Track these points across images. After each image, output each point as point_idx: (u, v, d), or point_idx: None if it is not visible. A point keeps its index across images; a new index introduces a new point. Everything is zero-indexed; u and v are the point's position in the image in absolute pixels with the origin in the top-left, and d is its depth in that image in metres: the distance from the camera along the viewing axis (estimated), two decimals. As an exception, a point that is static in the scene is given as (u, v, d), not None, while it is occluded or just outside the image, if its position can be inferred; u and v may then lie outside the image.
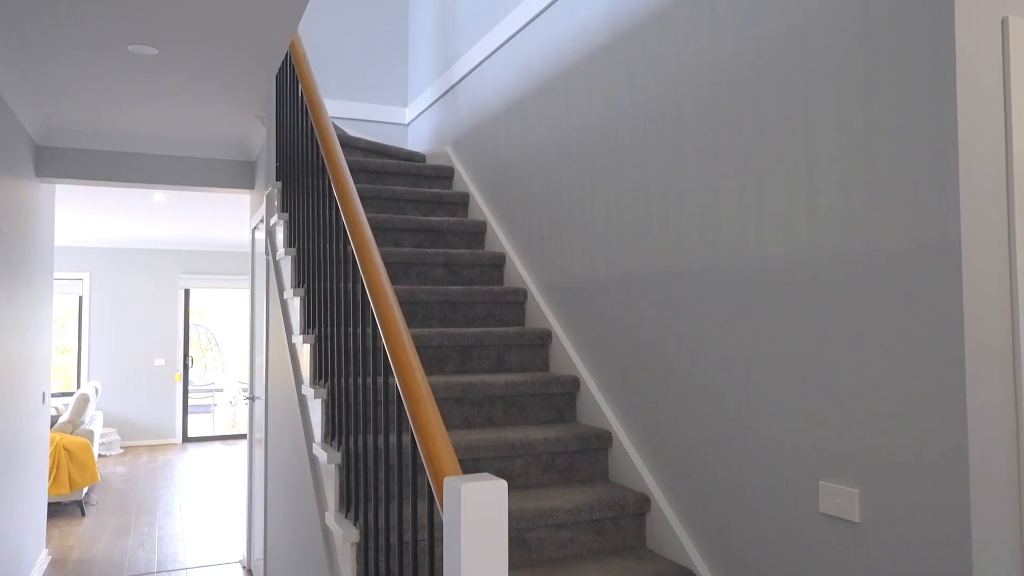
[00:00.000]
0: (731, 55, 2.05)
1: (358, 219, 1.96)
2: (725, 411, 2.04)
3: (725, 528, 2.04)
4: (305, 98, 2.68)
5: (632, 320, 2.47)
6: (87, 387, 6.79)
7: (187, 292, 9.35)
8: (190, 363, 9.42)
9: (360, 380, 2.06)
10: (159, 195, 5.68)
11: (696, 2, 2.20)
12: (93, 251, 8.90)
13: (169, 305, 9.22)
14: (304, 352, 2.72)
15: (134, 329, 9.07)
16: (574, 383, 2.72)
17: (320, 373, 2.49)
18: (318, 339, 2.52)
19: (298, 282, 2.92)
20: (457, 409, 2.58)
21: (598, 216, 2.68)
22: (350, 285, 2.14)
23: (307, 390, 2.51)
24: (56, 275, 8.71)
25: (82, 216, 6.67)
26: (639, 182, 2.45)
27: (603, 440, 2.50)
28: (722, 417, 2.05)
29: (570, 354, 2.81)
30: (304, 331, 2.75)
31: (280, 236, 3.31)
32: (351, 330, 2.12)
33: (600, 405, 2.59)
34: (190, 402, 10.50)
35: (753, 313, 1.95)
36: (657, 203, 2.36)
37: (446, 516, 1.27)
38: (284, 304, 3.14)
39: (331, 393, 2.33)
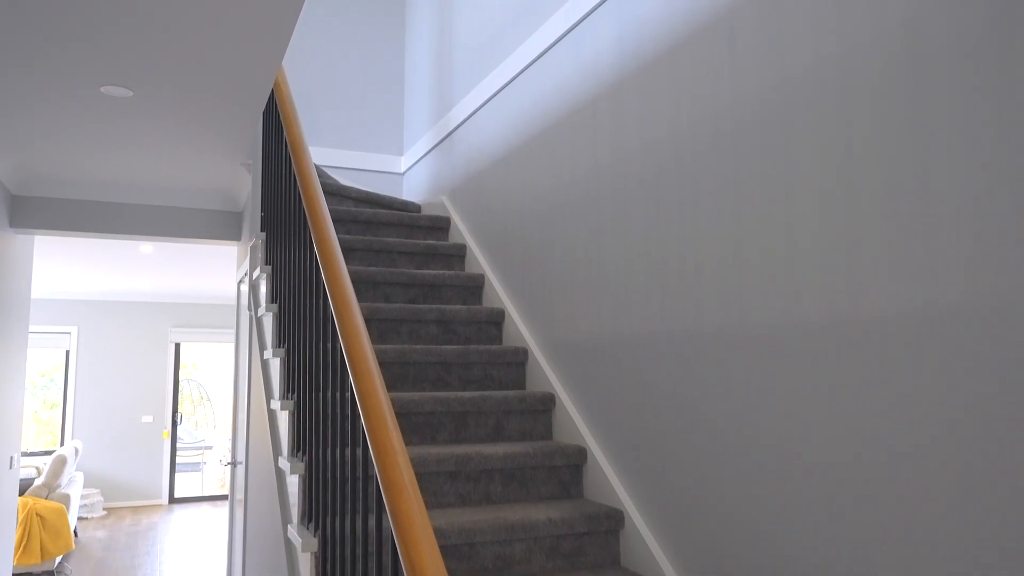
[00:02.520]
0: (755, 91, 1.86)
1: (337, 272, 1.73)
2: (751, 492, 1.78)
3: (758, 630, 1.76)
4: (287, 142, 2.48)
5: (645, 384, 2.22)
6: (66, 447, 6.48)
7: (177, 346, 9.09)
8: (179, 420, 9.10)
9: (339, 455, 1.81)
10: (146, 246, 5.48)
11: (713, 36, 2.02)
12: (81, 304, 8.68)
13: (158, 360, 8.95)
14: (283, 420, 2.46)
15: (122, 384, 8.78)
16: (580, 454, 2.46)
17: (299, 444, 2.23)
18: (298, 406, 2.28)
19: (280, 341, 2.68)
20: (451, 485, 2.31)
21: (606, 269, 2.46)
22: (329, 346, 1.90)
23: (284, 463, 2.25)
24: (42, 328, 8.47)
25: (68, 268, 6.47)
26: (651, 231, 2.23)
27: (614, 520, 2.23)
28: (747, 499, 1.79)
29: (575, 421, 2.56)
30: (284, 396, 2.51)
31: (263, 290, 3.08)
32: (330, 397, 1.87)
33: (610, 480, 2.33)
34: (179, 460, 10.16)
35: (787, 381, 1.71)
36: (672, 254, 2.14)
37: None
38: (265, 364, 2.89)
39: (309, 468, 2.08)
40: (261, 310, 2.94)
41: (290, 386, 2.42)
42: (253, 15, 2.10)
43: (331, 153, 4.60)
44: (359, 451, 1.85)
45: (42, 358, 10.10)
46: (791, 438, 1.70)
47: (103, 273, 6.75)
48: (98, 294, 8.29)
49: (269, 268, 2.95)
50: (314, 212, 1.99)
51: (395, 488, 1.23)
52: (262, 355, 2.93)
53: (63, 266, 6.33)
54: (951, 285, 1.37)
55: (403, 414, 2.52)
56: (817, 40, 1.68)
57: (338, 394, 1.74)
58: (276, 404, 2.45)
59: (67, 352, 8.63)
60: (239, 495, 3.89)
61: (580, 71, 2.67)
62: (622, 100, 2.42)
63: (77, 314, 8.64)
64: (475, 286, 3.35)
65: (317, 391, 1.99)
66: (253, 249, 3.29)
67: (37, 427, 10.94)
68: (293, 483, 2.23)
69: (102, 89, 2.55)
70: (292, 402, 2.33)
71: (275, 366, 2.65)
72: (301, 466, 2.14)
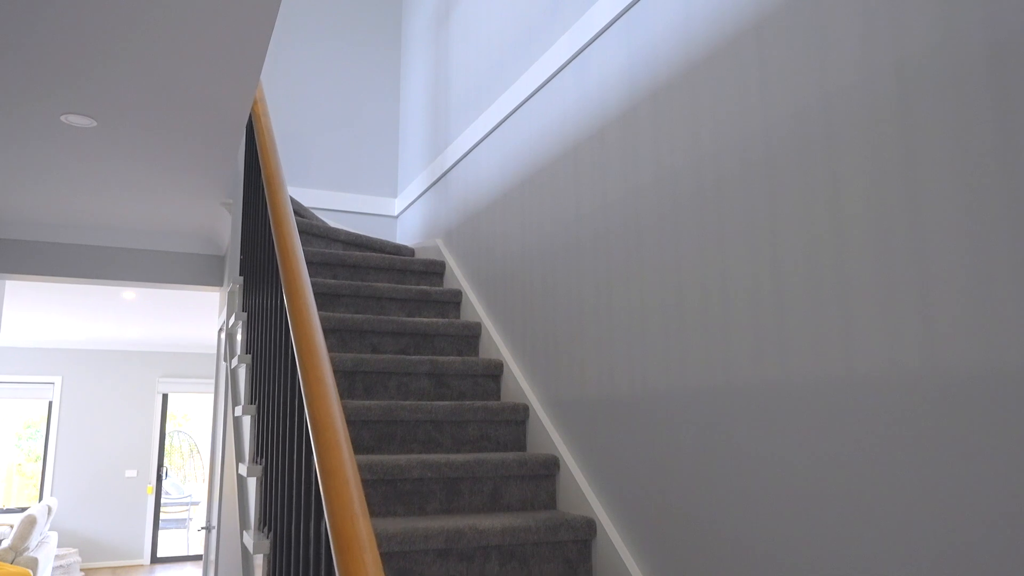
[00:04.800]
0: (791, 113, 1.62)
1: (304, 318, 1.47)
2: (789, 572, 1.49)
3: None
4: (263, 175, 2.24)
5: (664, 447, 1.94)
6: (38, 506, 6.12)
7: (165, 397, 8.77)
8: (165, 474, 8.72)
9: (306, 533, 1.52)
10: (128, 293, 5.23)
11: (740, 54, 1.79)
12: (65, 353, 8.38)
13: (145, 411, 8.61)
14: (252, 487, 2.17)
15: (105, 437, 8.43)
16: (588, 527, 2.16)
17: (265, 519, 1.94)
18: (266, 473, 1.99)
19: (252, 397, 2.40)
20: (440, 565, 2.01)
21: (617, 316, 2.19)
22: (296, 406, 1.62)
23: (248, 539, 1.95)
24: (25, 379, 8.15)
25: (48, 315, 6.20)
26: (668, 272, 1.98)
27: (629, 608, 1.92)
28: (798, 592, 1.50)
29: (583, 488, 2.26)
30: (254, 460, 2.22)
31: (239, 340, 2.82)
32: (296, 466, 1.59)
33: (623, 559, 2.02)
34: (164, 516, 9.74)
35: (836, 445, 1.43)
36: (694, 298, 1.87)
37: None
38: (237, 422, 2.61)
39: (275, 549, 1.78)
40: (235, 361, 2.67)
41: (260, 449, 2.14)
42: (221, 37, 1.88)
43: (322, 195, 4.38)
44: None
45: (26, 409, 9.76)
46: (857, 520, 1.41)
47: (85, 321, 6.48)
48: (82, 343, 8.01)
49: (245, 315, 2.69)
50: (283, 249, 1.73)
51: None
52: (234, 411, 2.64)
53: (44, 313, 6.06)
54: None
55: (388, 480, 2.23)
56: (865, 52, 1.45)
57: (303, 464, 1.46)
58: (244, 468, 2.16)
59: (49, 403, 8.30)
60: (211, 559, 3.55)
61: (585, 100, 2.45)
62: (633, 128, 2.18)
63: (60, 364, 8.33)
64: (471, 335, 3.08)
65: (284, 458, 1.71)
66: (230, 295, 3.03)
67: (20, 481, 10.54)
68: (258, 565, 1.93)
69: (62, 118, 2.32)
70: (260, 467, 2.04)
71: (246, 425, 2.37)
72: (266, 544, 1.84)
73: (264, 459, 2.01)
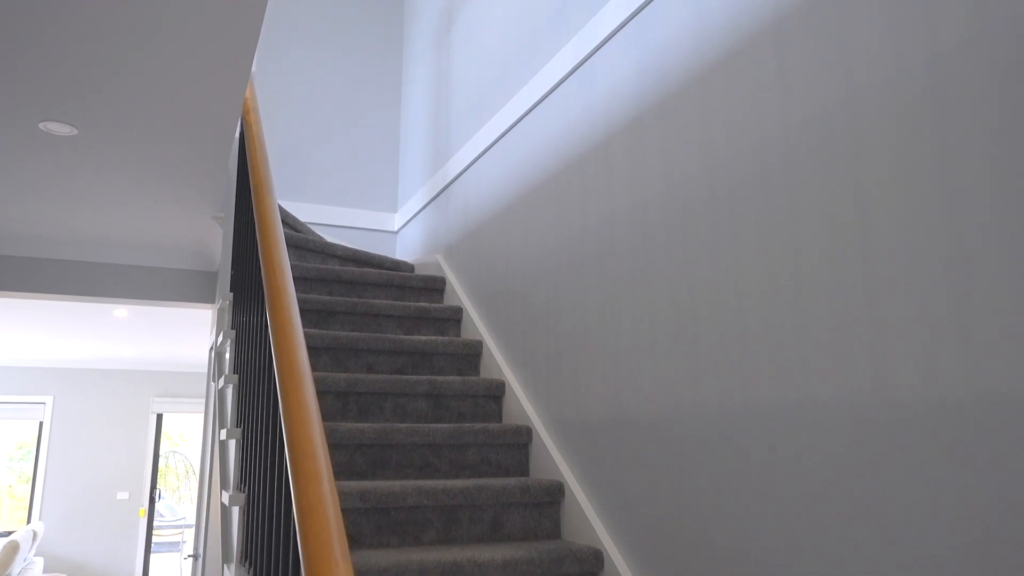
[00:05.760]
0: (812, 114, 1.50)
1: (286, 334, 1.34)
2: (835, 629, 1.34)
3: None
4: (251, 179, 2.12)
5: (677, 472, 1.80)
6: (22, 531, 5.95)
7: (159, 417, 8.61)
8: (158, 496, 8.54)
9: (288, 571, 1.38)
10: (120, 310, 5.10)
11: (758, 54, 1.67)
12: (57, 372, 8.22)
13: (138, 431, 8.45)
14: (235, 517, 2.03)
15: (97, 458, 8.25)
16: (595, 558, 2.01)
17: (247, 553, 1.80)
18: (248, 502, 1.85)
19: (238, 419, 2.27)
20: (436, 602, 1.86)
21: (624, 332, 2.06)
22: (279, 430, 1.49)
23: (228, 573, 1.81)
24: (16, 398, 8.00)
25: (39, 335, 6.07)
26: (679, 285, 1.85)
27: (641, 650, 1.77)
28: (830, 638, 1.35)
29: (589, 516, 2.12)
30: (238, 487, 2.08)
31: (227, 359, 2.68)
32: (275, 498, 1.45)
33: (634, 595, 1.88)
34: (158, 539, 9.55)
35: (870, 472, 1.30)
36: (707, 311, 1.74)
37: None
38: (222, 446, 2.47)
39: (256, 585, 1.64)
40: (221, 381, 2.53)
41: (244, 476, 2.00)
42: (206, 38, 1.77)
43: (321, 209, 4.26)
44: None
45: (18, 429, 9.60)
46: (900, 555, 1.27)
47: (77, 339, 6.35)
48: (74, 361, 7.86)
49: (233, 333, 2.56)
50: (267, 258, 1.61)
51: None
52: (219, 435, 2.51)
53: (33, 331, 5.93)
54: None
55: (381, 509, 2.09)
56: (897, 43, 1.33)
57: (283, 496, 1.32)
58: (226, 497, 2.02)
59: (40, 423, 8.13)
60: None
61: (592, 108, 2.33)
62: (642, 136, 2.07)
63: (52, 383, 8.18)
64: (472, 354, 2.95)
65: (264, 487, 1.57)
66: (220, 312, 2.90)
67: (11, 503, 10.34)
68: (239, 600, 1.79)
69: (41, 125, 2.21)
70: (243, 496, 1.90)
71: (230, 450, 2.23)
72: (248, 580, 1.70)
73: (247, 487, 1.88)
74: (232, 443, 2.22)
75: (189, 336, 6.34)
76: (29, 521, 8.04)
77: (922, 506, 1.22)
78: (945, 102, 1.24)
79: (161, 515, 10.13)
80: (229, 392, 2.47)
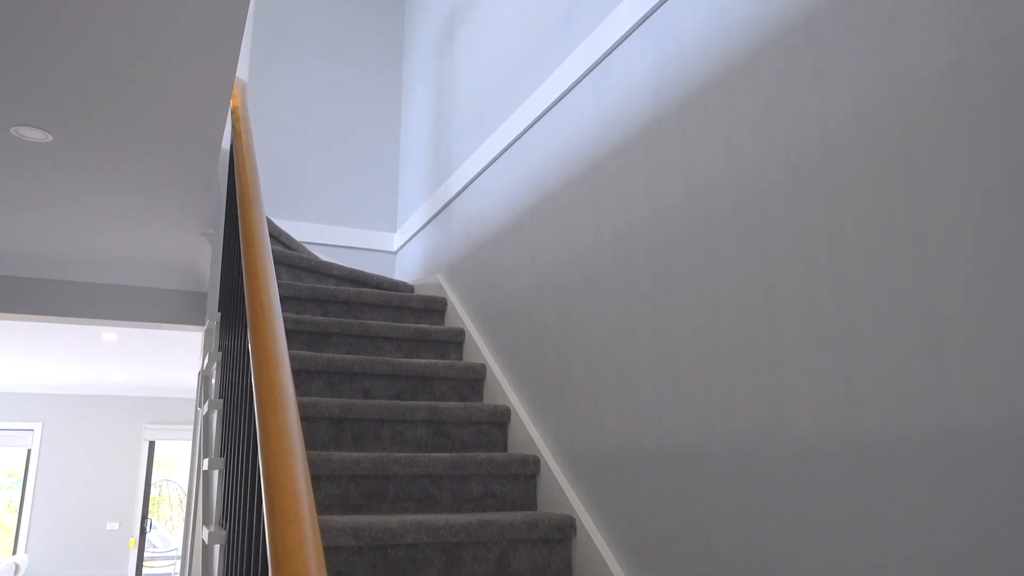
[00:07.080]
0: (854, 108, 1.35)
1: (268, 355, 1.17)
2: None
3: None
4: (237, 187, 1.97)
5: (701, 509, 1.62)
6: (5, 564, 5.72)
7: (151, 444, 8.39)
8: (149, 526, 8.29)
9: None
10: (108, 334, 4.93)
11: (789, 47, 1.53)
12: (46, 398, 8.02)
13: (130, 459, 8.22)
14: (216, 555, 1.85)
15: (87, 488, 8.02)
16: (613, 603, 1.83)
17: (226, 596, 1.61)
18: (230, 540, 1.67)
19: (222, 449, 2.09)
20: (437, 653, 1.67)
21: (641, 354, 1.90)
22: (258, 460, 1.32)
23: (207, 621, 1.63)
24: (3, 425, 7.79)
25: (28, 360, 5.89)
26: (703, 300, 1.68)
27: None
28: None
29: (604, 556, 1.94)
30: (220, 523, 1.90)
31: (213, 383, 2.51)
32: (255, 538, 1.28)
33: (657, 645, 1.69)
34: (149, 571, 9.28)
35: (931, 510, 1.13)
36: (735, 329, 1.58)
37: None
38: (205, 476, 2.29)
39: (234, 636, 1.46)
40: (206, 407, 2.36)
41: (226, 511, 1.82)
42: (186, 34, 1.62)
43: (317, 228, 4.11)
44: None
45: (7, 457, 9.38)
46: (960, 613, 1.09)
47: (66, 364, 6.16)
48: (63, 387, 7.66)
49: (220, 355, 2.39)
50: (251, 272, 1.45)
51: None
52: (202, 464, 2.33)
53: (21, 357, 5.75)
54: None
55: (376, 547, 1.91)
56: (957, 26, 1.18)
57: (263, 536, 1.15)
58: (207, 534, 1.84)
59: (28, 451, 7.92)
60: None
61: (605, 114, 2.19)
62: (660, 141, 1.92)
63: (41, 409, 7.97)
64: (475, 378, 2.78)
65: (243, 526, 1.40)
66: (208, 333, 2.74)
67: (1, 533, 10.08)
68: (217, 652, 1.60)
69: (12, 131, 2.06)
70: (224, 533, 1.72)
71: (213, 481, 2.06)
72: (226, 630, 1.52)
73: (229, 523, 1.70)
74: (216, 474, 2.04)
75: (182, 360, 6.17)
76: (14, 552, 7.80)
77: (1010, 548, 1.04)
78: (1013, 91, 1.09)
79: (153, 546, 9.87)
80: (214, 418, 2.30)
